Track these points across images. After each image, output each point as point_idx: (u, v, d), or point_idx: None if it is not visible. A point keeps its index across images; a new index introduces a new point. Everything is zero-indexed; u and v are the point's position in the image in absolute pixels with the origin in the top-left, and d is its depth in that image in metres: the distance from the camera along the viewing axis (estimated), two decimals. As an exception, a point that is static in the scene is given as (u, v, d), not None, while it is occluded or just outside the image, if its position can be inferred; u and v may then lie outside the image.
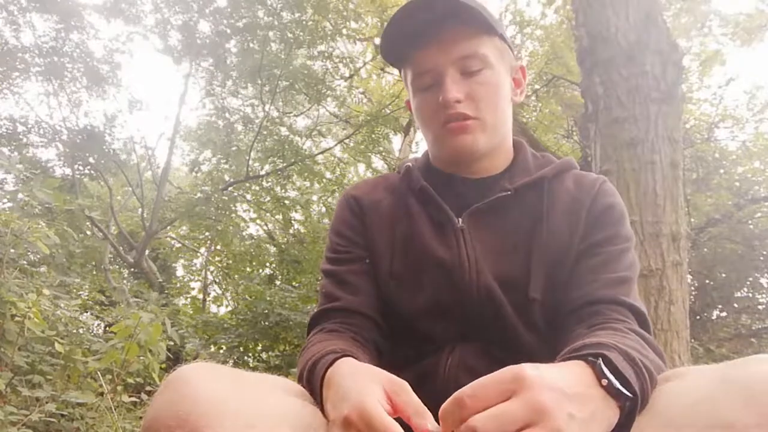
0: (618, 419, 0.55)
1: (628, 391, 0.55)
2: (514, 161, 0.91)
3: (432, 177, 0.91)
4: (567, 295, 0.80)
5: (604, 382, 0.55)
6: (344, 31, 7.53)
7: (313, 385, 0.67)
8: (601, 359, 0.57)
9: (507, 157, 0.91)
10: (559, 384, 0.51)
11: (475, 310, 0.81)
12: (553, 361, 0.61)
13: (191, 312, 7.44)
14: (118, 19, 7.18)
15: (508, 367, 0.51)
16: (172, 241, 9.73)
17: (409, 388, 0.57)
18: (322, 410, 0.63)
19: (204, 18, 7.27)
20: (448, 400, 0.51)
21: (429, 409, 0.56)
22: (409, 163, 0.95)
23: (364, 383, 0.58)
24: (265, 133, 8.01)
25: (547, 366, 0.54)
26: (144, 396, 3.07)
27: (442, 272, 0.83)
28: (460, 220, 0.85)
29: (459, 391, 0.51)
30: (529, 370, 0.50)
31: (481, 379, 0.51)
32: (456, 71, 0.83)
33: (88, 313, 4.90)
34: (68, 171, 7.09)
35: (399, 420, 0.54)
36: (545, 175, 0.87)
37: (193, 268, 10.13)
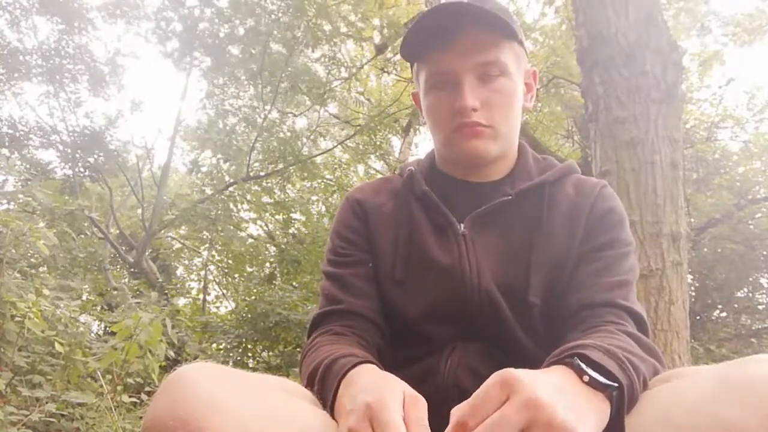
0: (610, 411, 0.56)
1: (611, 380, 0.56)
2: (516, 165, 0.91)
3: (435, 181, 0.91)
4: (566, 299, 0.80)
5: (586, 378, 0.56)
6: (343, 30, 7.51)
7: (328, 383, 0.66)
8: (577, 358, 0.58)
9: (511, 162, 0.91)
10: (548, 382, 0.52)
11: (476, 315, 0.81)
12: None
13: (191, 313, 7.43)
14: (120, 21, 7.19)
15: (494, 374, 0.52)
16: (172, 241, 9.71)
17: (425, 407, 0.57)
18: (332, 411, 0.63)
19: (205, 20, 7.27)
20: (450, 425, 0.51)
21: (428, 407, 0.56)
22: (412, 167, 0.94)
23: (388, 386, 0.59)
24: (266, 134, 8.01)
25: (531, 371, 0.55)
26: (144, 396, 3.06)
27: (443, 277, 0.83)
28: (462, 225, 0.85)
29: (458, 414, 0.51)
30: (515, 372, 0.51)
31: (473, 395, 0.51)
32: (474, 77, 0.82)
33: (89, 314, 4.89)
34: (69, 172, 7.09)
35: None
36: (546, 180, 0.87)
37: (193, 268, 10.13)
